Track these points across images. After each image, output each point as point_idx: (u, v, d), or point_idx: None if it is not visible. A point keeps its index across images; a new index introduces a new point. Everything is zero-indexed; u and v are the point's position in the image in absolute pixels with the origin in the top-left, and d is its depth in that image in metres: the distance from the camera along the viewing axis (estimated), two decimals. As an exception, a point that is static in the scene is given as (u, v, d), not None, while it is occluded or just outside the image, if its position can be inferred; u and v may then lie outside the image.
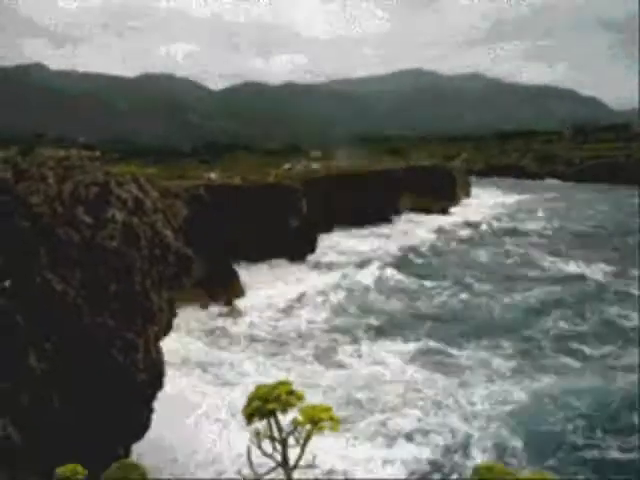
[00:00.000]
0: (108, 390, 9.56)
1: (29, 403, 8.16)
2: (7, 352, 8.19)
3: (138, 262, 10.90)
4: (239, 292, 25.28)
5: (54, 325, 9.14)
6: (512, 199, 66.92)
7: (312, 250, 32.55)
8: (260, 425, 1.39)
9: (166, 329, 12.08)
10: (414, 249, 37.19)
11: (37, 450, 7.87)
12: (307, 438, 1.36)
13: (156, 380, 11.04)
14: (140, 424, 10.62)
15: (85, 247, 10.15)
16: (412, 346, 19.51)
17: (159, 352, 11.58)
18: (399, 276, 29.54)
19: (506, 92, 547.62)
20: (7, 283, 8.52)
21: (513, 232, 43.98)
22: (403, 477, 11.66)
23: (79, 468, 2.01)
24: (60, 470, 1.94)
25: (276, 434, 1.38)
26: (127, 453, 10.19)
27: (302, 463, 1.41)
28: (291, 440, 1.38)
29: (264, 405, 1.36)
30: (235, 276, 25.72)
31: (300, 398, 1.39)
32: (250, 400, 1.41)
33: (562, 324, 21.55)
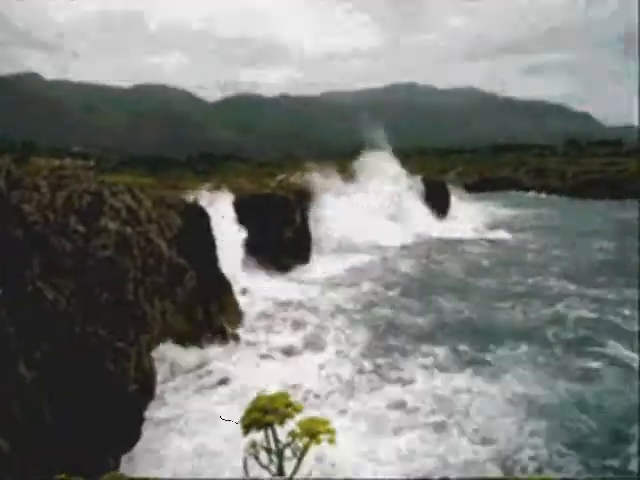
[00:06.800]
0: (99, 400, 9.48)
1: (18, 412, 8.07)
2: (-3, 361, 8.12)
3: (131, 271, 10.87)
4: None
5: (45, 334, 9.07)
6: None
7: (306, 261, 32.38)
8: (257, 436, 1.36)
9: (159, 339, 12.02)
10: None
11: (27, 460, 7.77)
12: (304, 451, 1.33)
13: (148, 390, 10.96)
14: (131, 435, 10.53)
15: (78, 256, 10.11)
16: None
17: (151, 362, 11.51)
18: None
19: (501, 106, 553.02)
20: (-2, 291, 8.46)
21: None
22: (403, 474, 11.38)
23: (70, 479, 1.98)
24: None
25: (273, 446, 1.36)
26: (117, 464, 10.09)
27: (298, 476, 1.39)
28: (288, 452, 1.36)
29: (263, 417, 1.34)
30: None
31: (298, 410, 1.36)
32: (248, 411, 1.37)
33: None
